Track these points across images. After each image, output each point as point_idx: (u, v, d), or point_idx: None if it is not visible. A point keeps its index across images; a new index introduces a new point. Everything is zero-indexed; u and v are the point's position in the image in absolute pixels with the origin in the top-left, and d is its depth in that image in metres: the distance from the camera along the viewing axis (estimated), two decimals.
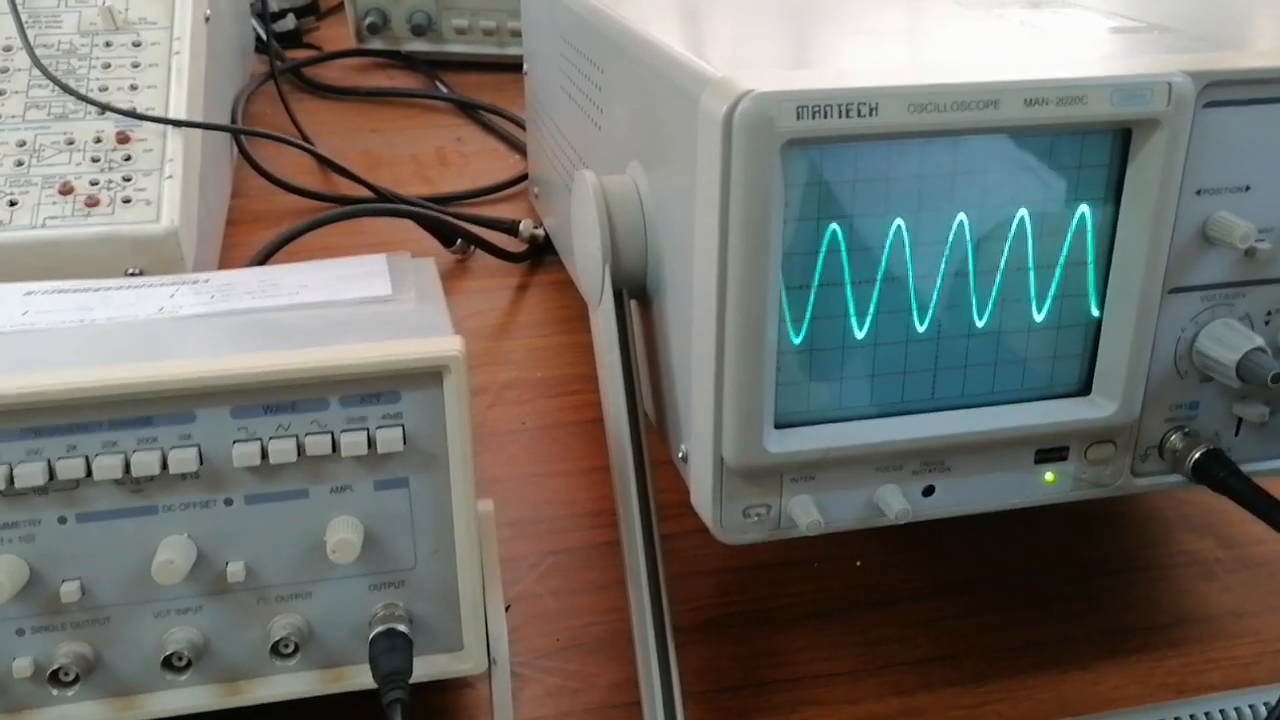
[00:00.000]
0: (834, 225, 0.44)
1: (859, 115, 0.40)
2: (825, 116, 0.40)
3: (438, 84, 1.23)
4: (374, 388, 0.45)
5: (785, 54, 0.52)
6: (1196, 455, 0.50)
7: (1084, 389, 0.49)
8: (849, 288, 0.45)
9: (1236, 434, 0.52)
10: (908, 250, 0.45)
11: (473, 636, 0.48)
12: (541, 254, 0.93)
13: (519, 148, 1.09)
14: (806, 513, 0.46)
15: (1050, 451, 0.50)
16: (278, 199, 0.98)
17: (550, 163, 0.82)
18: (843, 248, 0.44)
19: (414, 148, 1.11)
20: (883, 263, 0.45)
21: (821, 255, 0.44)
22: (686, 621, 0.60)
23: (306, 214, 0.88)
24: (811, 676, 0.57)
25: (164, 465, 0.43)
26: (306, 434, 0.45)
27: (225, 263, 0.90)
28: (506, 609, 0.60)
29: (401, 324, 0.49)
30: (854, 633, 0.60)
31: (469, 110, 1.18)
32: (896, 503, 0.47)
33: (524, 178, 1.02)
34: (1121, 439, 0.50)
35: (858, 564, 0.64)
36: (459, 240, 0.89)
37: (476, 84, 1.22)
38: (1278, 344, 0.50)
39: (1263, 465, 0.53)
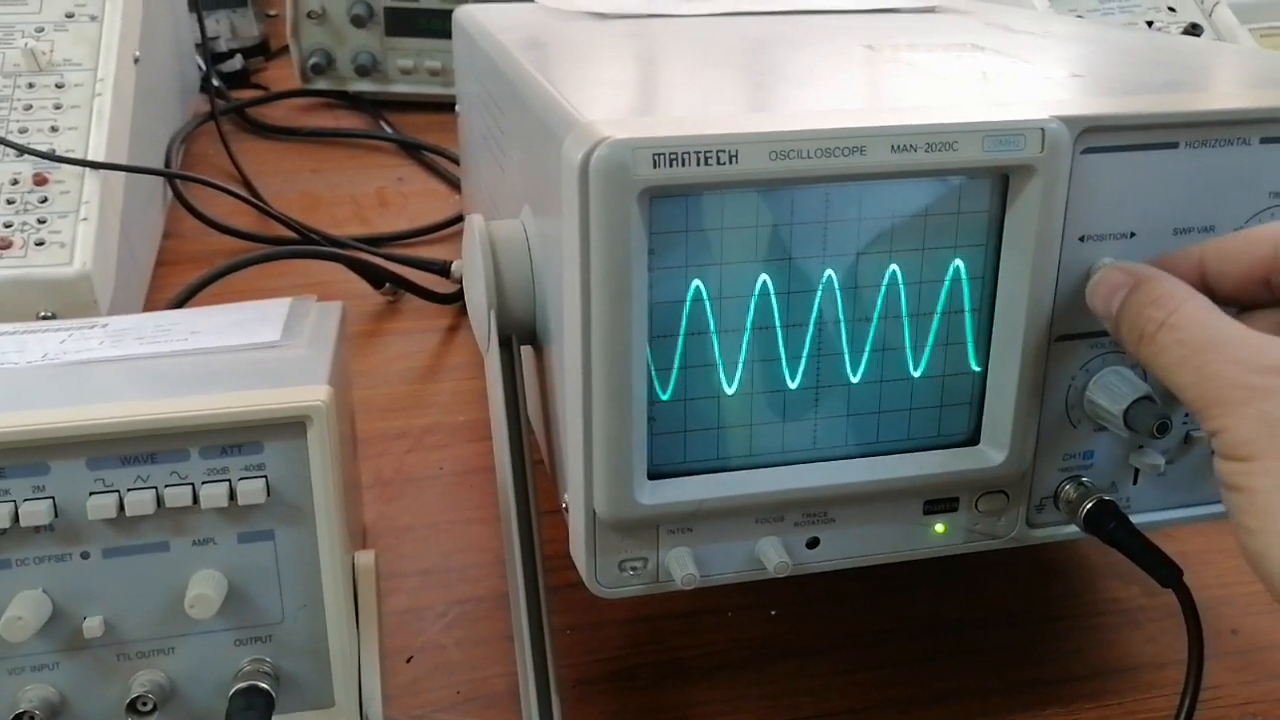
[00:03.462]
0: (699, 273, 0.43)
1: (719, 163, 0.40)
2: (683, 164, 0.39)
3: (382, 124, 1.23)
4: (235, 438, 0.44)
5: (679, 101, 0.52)
6: (1088, 506, 0.49)
7: (973, 438, 0.48)
8: (715, 337, 0.44)
9: (1134, 483, 0.51)
10: (775, 300, 0.44)
11: (344, 693, 0.47)
12: None
13: (459, 188, 1.09)
14: (683, 566, 0.45)
15: (939, 502, 0.48)
16: (212, 240, 0.97)
17: (476, 205, 0.82)
18: (706, 297, 0.43)
19: (354, 188, 1.11)
20: (750, 313, 0.44)
21: (687, 305, 0.43)
22: (593, 673, 0.59)
23: (241, 255, 0.88)
24: None
25: (15, 518, 0.42)
26: (166, 485, 0.43)
27: (151, 304, 0.89)
28: (408, 660, 0.59)
29: (277, 372, 0.48)
30: (764, 685, 0.59)
31: (411, 150, 1.17)
32: (776, 555, 0.46)
33: (461, 218, 1.02)
34: (1014, 489, 0.49)
35: (772, 613, 0.63)
36: (387, 282, 0.88)
37: (422, 124, 1.22)
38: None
39: (1162, 515, 0.52)
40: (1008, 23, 0.72)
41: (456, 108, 0.90)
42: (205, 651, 0.46)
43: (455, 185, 1.10)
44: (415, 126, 1.22)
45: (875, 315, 0.46)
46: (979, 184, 0.45)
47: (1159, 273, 0.44)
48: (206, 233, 0.97)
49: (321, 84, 1.25)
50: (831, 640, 0.61)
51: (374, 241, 0.98)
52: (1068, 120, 0.43)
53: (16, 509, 0.42)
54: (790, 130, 0.40)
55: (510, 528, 0.51)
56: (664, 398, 0.44)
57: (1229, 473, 0.39)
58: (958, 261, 0.45)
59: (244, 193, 1.01)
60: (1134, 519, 0.50)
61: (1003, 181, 0.44)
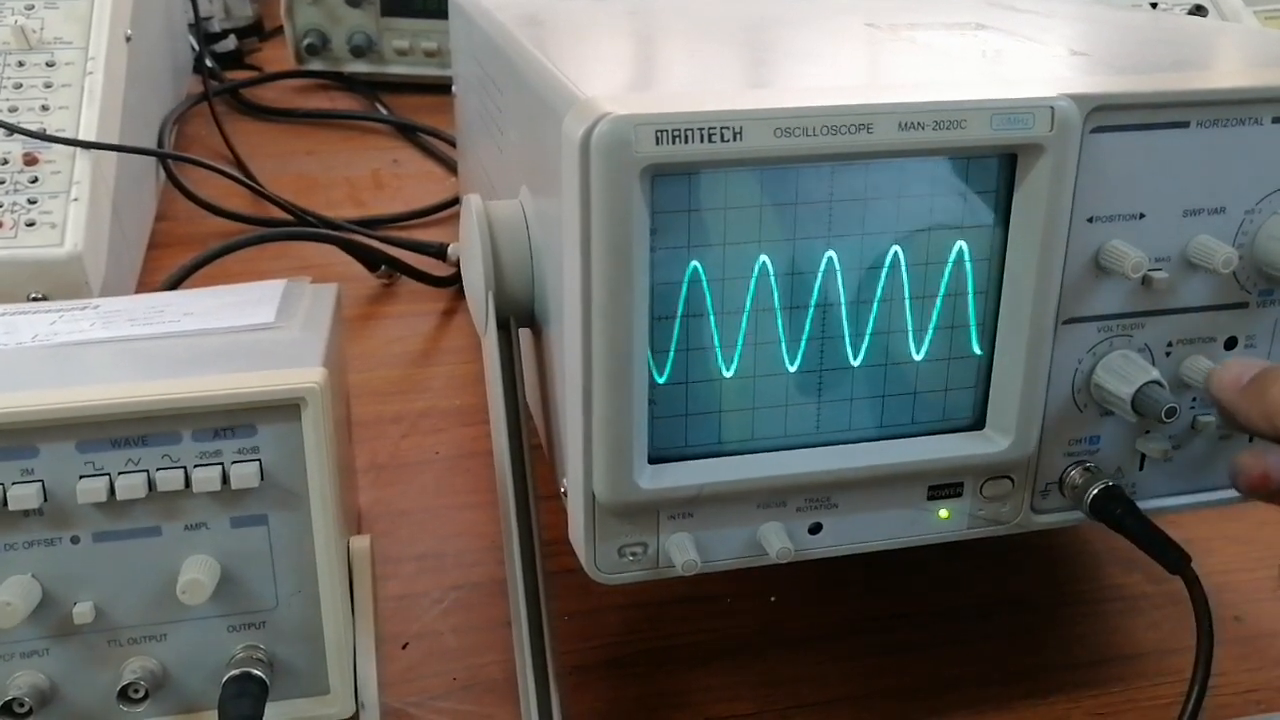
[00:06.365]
0: (701, 254, 0.42)
1: (723, 140, 0.39)
2: (686, 141, 0.38)
3: (378, 105, 1.22)
4: (228, 421, 0.43)
5: (682, 78, 0.51)
6: (1094, 491, 0.48)
7: (978, 423, 0.47)
8: (714, 319, 0.43)
9: (1140, 469, 0.51)
10: (775, 282, 0.43)
11: (339, 679, 0.46)
12: None
13: (456, 170, 1.08)
14: (683, 552, 0.45)
15: (944, 487, 0.48)
16: (205, 222, 0.96)
17: (473, 187, 0.81)
18: (706, 278, 0.42)
19: (350, 170, 1.10)
20: (750, 294, 0.43)
21: (684, 285, 0.42)
22: (589, 660, 0.58)
23: (234, 237, 0.87)
24: (714, 719, 0.55)
25: (4, 502, 0.42)
26: (157, 469, 0.43)
27: (143, 287, 0.88)
28: (404, 647, 0.59)
29: (271, 353, 0.47)
30: (763, 672, 0.58)
31: (407, 132, 1.16)
32: (778, 541, 0.45)
33: (458, 201, 1.01)
34: (1019, 475, 0.49)
35: (772, 599, 0.63)
36: (383, 265, 0.87)
37: (418, 105, 1.21)
38: (1179, 377, 0.49)
39: (1168, 502, 0.52)
40: (1012, 2, 0.71)
41: (453, 89, 0.89)
42: (198, 638, 0.45)
43: (451, 168, 1.09)
44: (411, 108, 1.21)
45: (877, 297, 0.45)
46: (986, 163, 0.44)
47: None
48: (200, 215, 0.96)
49: (316, 65, 1.24)
50: (832, 627, 0.61)
51: (369, 224, 0.97)
52: (1078, 99, 0.43)
53: (5, 492, 0.42)
54: (796, 107, 0.39)
55: (508, 513, 0.50)
56: (660, 381, 0.44)
57: None
58: (961, 243, 0.45)
59: (238, 174, 1.00)
60: (1140, 505, 0.49)
61: (1010, 161, 0.44)
